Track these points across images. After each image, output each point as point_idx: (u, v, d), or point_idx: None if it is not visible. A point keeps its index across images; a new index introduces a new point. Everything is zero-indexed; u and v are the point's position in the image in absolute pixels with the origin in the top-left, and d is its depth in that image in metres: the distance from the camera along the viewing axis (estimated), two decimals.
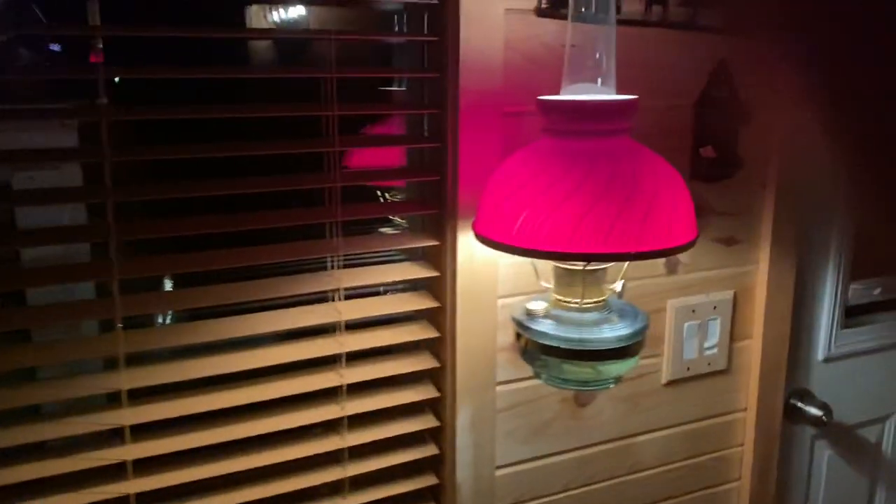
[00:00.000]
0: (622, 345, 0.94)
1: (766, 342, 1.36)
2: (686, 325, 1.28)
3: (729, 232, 1.30)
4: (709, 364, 1.32)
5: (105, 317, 0.93)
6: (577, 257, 0.84)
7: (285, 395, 1.02)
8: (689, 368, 1.30)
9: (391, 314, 1.10)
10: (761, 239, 1.32)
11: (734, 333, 1.34)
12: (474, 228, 0.93)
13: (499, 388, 1.15)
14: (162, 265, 0.96)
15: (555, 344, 0.93)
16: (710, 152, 1.24)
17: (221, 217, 0.98)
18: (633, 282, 1.23)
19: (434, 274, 1.10)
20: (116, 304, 0.91)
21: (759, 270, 1.33)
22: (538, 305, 0.96)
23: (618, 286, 0.97)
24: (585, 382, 0.97)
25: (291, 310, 1.03)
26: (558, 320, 0.95)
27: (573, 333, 0.93)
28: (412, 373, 1.12)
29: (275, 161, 0.99)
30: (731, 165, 1.26)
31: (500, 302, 1.11)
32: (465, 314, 1.09)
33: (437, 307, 1.11)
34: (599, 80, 0.90)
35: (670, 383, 1.30)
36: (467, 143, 1.04)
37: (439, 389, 1.14)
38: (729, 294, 1.32)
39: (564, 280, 0.96)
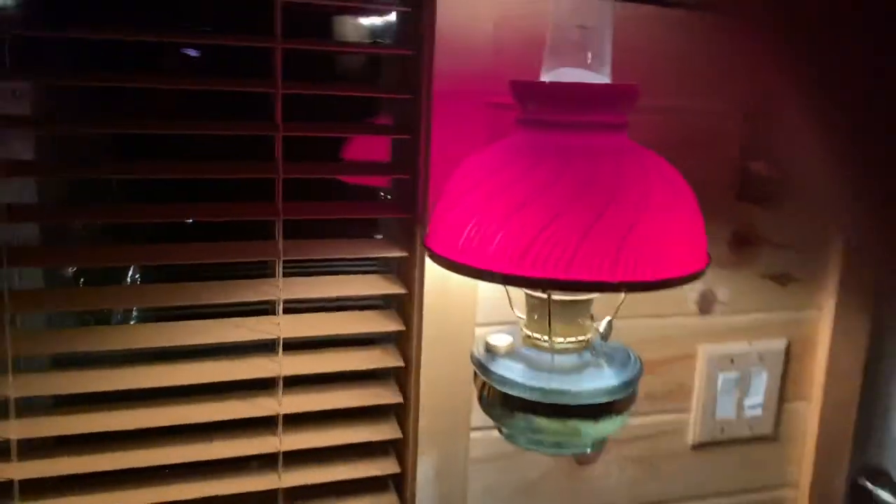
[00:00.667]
0: (605, 399, 0.73)
1: (826, 405, 1.10)
2: (721, 376, 1.04)
3: (784, 267, 1.05)
4: (750, 427, 1.08)
5: None
6: (528, 283, 0.64)
7: (205, 419, 0.87)
8: (723, 430, 1.06)
9: (350, 333, 0.92)
10: (827, 278, 1.07)
11: (785, 392, 1.09)
12: (425, 239, 0.75)
13: (474, 433, 0.95)
14: (56, 258, 0.83)
15: (518, 393, 0.73)
16: (763, 168, 1.01)
17: (143, 207, 0.84)
18: (653, 320, 1.01)
19: (400, 290, 0.92)
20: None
21: (823, 317, 1.08)
22: (501, 340, 0.77)
23: (602, 325, 0.76)
24: (558, 444, 0.76)
25: (216, 320, 0.88)
26: (527, 362, 0.75)
27: (542, 381, 0.73)
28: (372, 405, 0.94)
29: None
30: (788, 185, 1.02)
31: (479, 331, 0.92)
32: (432, 342, 0.91)
33: (402, 331, 0.93)
34: (589, 63, 0.70)
35: (699, 446, 1.07)
36: (441, 137, 0.85)
37: (403, 429, 0.96)
38: (780, 343, 1.07)
39: (535, 311, 0.76)
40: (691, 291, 1.02)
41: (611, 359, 0.77)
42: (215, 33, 0.84)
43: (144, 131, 0.82)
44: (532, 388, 0.72)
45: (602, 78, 0.71)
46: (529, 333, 0.76)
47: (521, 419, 0.74)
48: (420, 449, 0.93)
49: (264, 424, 0.91)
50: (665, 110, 0.94)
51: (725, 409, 1.06)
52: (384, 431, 0.95)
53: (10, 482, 0.82)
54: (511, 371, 0.74)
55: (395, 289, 0.92)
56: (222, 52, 0.89)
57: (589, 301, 0.76)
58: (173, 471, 0.89)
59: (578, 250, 0.62)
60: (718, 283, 1.03)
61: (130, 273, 1.12)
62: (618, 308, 0.79)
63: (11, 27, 0.76)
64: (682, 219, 0.66)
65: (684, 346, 1.03)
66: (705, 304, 1.03)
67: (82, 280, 1.08)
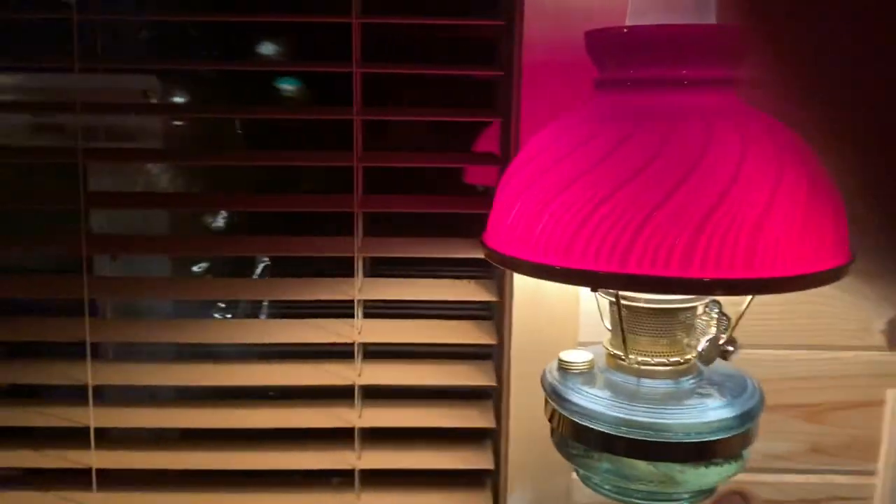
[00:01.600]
0: (708, 437, 0.56)
1: None
2: None
3: None
4: None
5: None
6: (573, 277, 0.50)
7: (278, 426, 0.81)
8: None
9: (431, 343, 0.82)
10: None
11: None
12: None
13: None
14: (141, 247, 0.82)
15: (593, 425, 0.58)
16: None
17: (228, 197, 0.81)
18: (820, 353, 0.79)
19: (490, 298, 0.80)
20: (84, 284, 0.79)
21: None
22: (579, 357, 0.62)
23: (701, 344, 0.58)
24: (651, 496, 0.60)
25: (293, 320, 0.82)
26: (611, 388, 0.60)
27: (624, 410, 0.57)
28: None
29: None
30: None
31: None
32: (523, 360, 0.78)
33: (492, 344, 0.81)
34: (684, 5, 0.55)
35: None
36: (531, 120, 0.73)
37: (497, 458, 0.83)
38: None
39: (626, 322, 0.60)
40: (877, 318, 0.79)
41: (720, 388, 0.60)
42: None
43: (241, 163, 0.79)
44: (610, 419, 0.57)
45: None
46: (611, 351, 0.61)
47: (599, 459, 0.59)
48: (510, 484, 0.80)
49: (341, 436, 0.83)
50: None
51: None
52: (473, 459, 0.83)
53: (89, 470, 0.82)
54: (586, 397, 0.59)
55: (484, 295, 0.80)
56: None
57: (688, 310, 0.59)
58: (243, 478, 0.84)
59: (638, 236, 0.47)
60: None
61: (258, 271, 1.12)
62: (735, 323, 0.61)
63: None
64: (799, 198, 0.49)
65: (867, 390, 0.80)
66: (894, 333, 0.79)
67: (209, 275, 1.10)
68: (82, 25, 0.75)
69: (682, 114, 0.52)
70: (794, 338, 0.79)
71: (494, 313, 0.86)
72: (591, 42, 0.57)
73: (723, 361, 0.64)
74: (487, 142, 0.89)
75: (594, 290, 0.52)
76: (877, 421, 0.80)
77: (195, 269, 1.10)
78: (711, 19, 0.55)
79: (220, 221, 1.10)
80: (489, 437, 0.86)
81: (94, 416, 0.80)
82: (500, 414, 0.82)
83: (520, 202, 0.54)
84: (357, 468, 0.82)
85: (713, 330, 0.75)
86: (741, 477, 0.81)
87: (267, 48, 0.98)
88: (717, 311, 0.76)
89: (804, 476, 0.81)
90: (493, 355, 0.86)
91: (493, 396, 0.85)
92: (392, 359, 0.84)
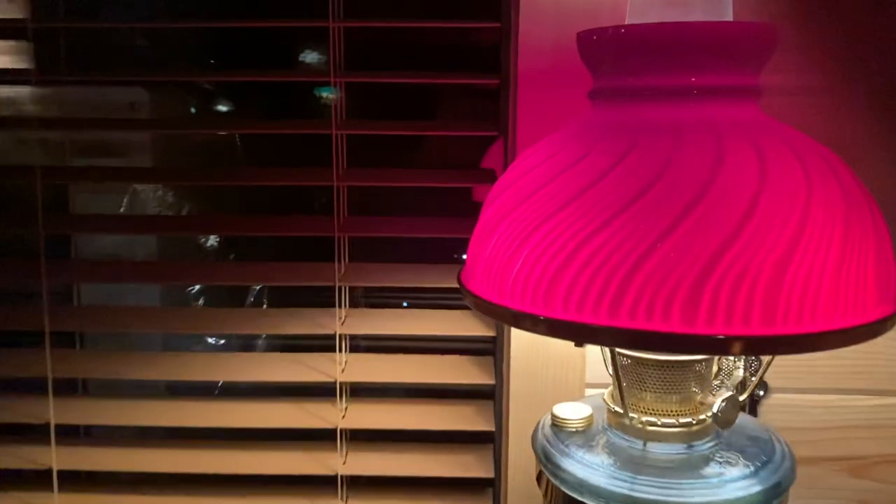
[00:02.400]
0: None
1: None
2: None
3: None
4: None
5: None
6: (555, 329, 0.41)
7: (247, 472, 0.73)
8: None
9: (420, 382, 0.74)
10: None
11: None
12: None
13: None
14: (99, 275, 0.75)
15: (588, 500, 0.49)
16: None
17: (202, 220, 0.74)
18: (858, 398, 0.69)
19: (487, 332, 0.72)
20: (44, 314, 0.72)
21: None
22: (575, 412, 0.53)
23: (717, 403, 0.49)
24: None
25: (271, 354, 0.75)
26: (611, 451, 0.51)
27: (625, 483, 0.48)
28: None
29: None
30: None
31: (589, 393, 0.69)
32: (522, 404, 0.69)
33: (488, 385, 0.72)
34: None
35: None
36: (528, 133, 0.65)
37: None
38: None
39: (626, 375, 0.51)
40: None
41: (743, 453, 0.50)
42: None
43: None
44: (609, 495, 0.48)
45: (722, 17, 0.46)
46: (612, 407, 0.52)
47: None
48: None
49: (326, 483, 0.75)
50: None
51: None
52: None
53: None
54: (583, 465, 0.50)
55: (480, 329, 0.72)
56: None
57: (703, 361, 0.50)
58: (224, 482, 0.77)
59: (631, 281, 0.38)
60: None
61: (254, 293, 1.05)
62: (760, 375, 0.52)
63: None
64: (832, 233, 0.39)
65: None
66: None
67: (201, 301, 1.04)
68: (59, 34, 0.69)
69: (689, 129, 0.42)
70: (837, 380, 0.69)
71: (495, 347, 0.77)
72: (584, 44, 0.48)
73: (745, 417, 0.55)
74: (494, 158, 0.81)
75: (579, 344, 0.43)
76: None
77: (190, 290, 1.04)
78: (727, 16, 0.46)
79: (213, 240, 1.04)
80: (490, 487, 0.77)
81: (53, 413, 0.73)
82: (499, 462, 0.73)
83: (497, 235, 0.45)
84: None
85: (739, 374, 0.65)
86: None
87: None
88: None
89: None
90: (495, 394, 0.77)
91: (493, 441, 0.76)
92: (380, 398, 0.75)
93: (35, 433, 0.74)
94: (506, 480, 0.71)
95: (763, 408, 0.69)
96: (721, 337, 0.38)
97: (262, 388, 0.83)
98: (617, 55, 0.46)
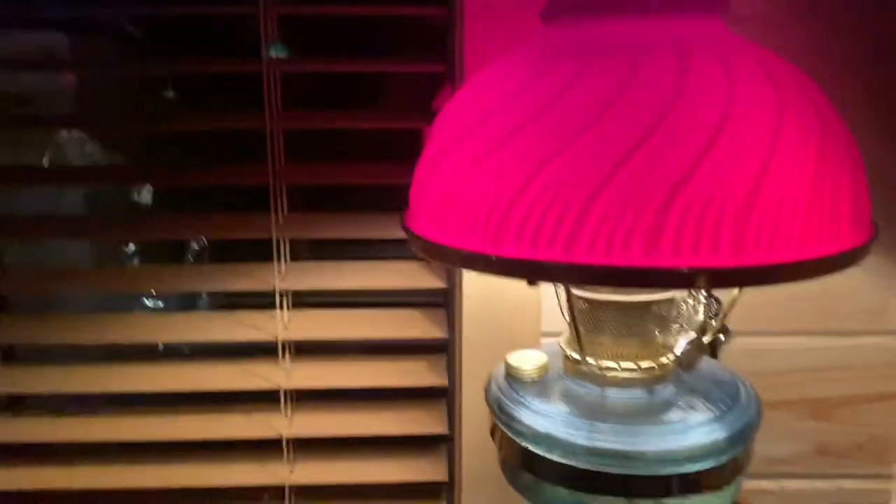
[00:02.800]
0: (700, 465, 0.44)
1: None
2: None
3: None
4: None
5: None
6: (510, 268, 0.37)
7: (185, 438, 0.69)
8: None
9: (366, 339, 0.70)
10: None
11: None
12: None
13: None
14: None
15: (551, 455, 0.45)
16: None
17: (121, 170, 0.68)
18: (825, 339, 0.67)
19: (438, 284, 0.68)
20: None
21: None
22: (530, 361, 0.50)
23: (680, 345, 0.46)
24: None
25: (210, 313, 0.70)
26: (568, 400, 0.48)
27: (583, 434, 0.45)
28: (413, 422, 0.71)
29: None
30: None
31: (546, 342, 0.66)
32: (476, 356, 0.66)
33: (441, 339, 0.69)
34: None
35: None
36: (475, 66, 0.60)
37: (451, 467, 0.72)
38: None
39: (583, 319, 0.48)
40: (894, 297, 0.67)
41: (707, 397, 0.47)
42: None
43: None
44: (567, 446, 0.45)
45: None
46: (569, 353, 0.48)
47: (553, 494, 0.47)
48: (465, 498, 0.69)
49: (271, 447, 0.71)
50: None
51: None
52: (423, 471, 0.71)
53: None
54: (538, 415, 0.47)
55: (430, 281, 0.68)
56: None
57: (664, 302, 0.47)
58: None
59: (588, 212, 0.35)
60: None
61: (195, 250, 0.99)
62: (728, 309, 0.49)
63: None
64: (805, 157, 0.36)
65: (884, 381, 0.68)
66: None
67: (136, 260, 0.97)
68: None
69: (649, 47, 0.39)
70: (798, 322, 0.67)
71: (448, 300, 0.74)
72: None
73: (708, 361, 0.52)
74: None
75: (532, 283, 0.40)
76: (894, 417, 0.68)
77: (126, 251, 0.98)
78: None
79: (146, 195, 0.98)
80: (444, 443, 0.74)
81: None
82: (453, 417, 0.70)
83: (441, 170, 0.41)
84: (287, 484, 0.70)
85: (699, 318, 0.62)
86: None
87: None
88: (704, 294, 0.63)
89: (810, 482, 0.70)
90: (448, 348, 0.73)
91: (447, 397, 0.73)
92: (327, 355, 0.71)
93: None
94: (460, 435, 0.68)
95: (724, 353, 0.67)
96: (686, 269, 0.34)
97: (204, 350, 0.78)
98: None
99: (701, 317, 0.64)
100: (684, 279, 0.34)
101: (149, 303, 0.95)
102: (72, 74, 0.84)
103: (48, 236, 0.72)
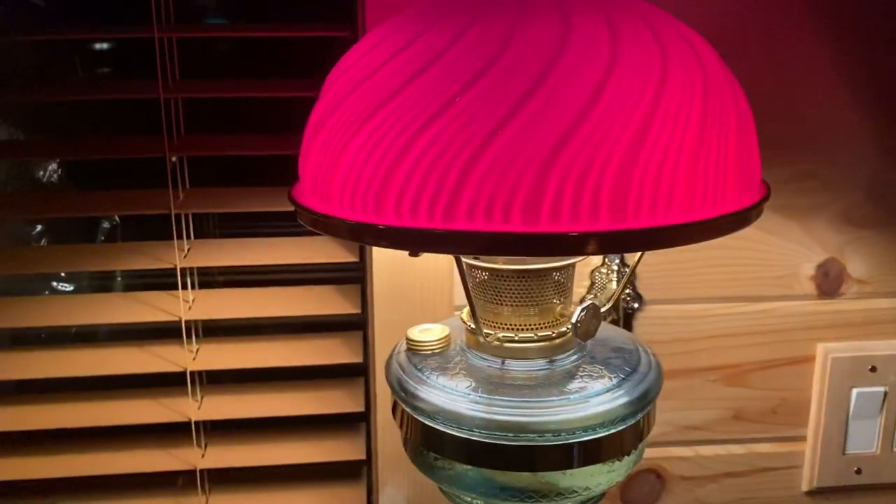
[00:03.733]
0: (602, 433, 0.43)
1: None
2: (855, 391, 0.69)
3: None
4: None
5: None
6: (390, 238, 0.36)
7: (86, 425, 0.66)
8: (859, 471, 0.71)
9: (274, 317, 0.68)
10: None
11: None
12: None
13: None
14: None
15: (452, 430, 0.44)
16: None
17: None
18: (740, 305, 0.67)
19: (349, 258, 0.66)
20: None
21: None
22: (431, 334, 0.48)
23: (576, 313, 0.45)
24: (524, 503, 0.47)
25: (106, 295, 0.67)
26: (468, 373, 0.47)
27: (481, 406, 0.44)
28: (328, 414, 0.69)
29: None
30: None
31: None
32: (388, 330, 0.64)
33: (355, 314, 0.67)
34: None
35: (819, 492, 0.72)
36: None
37: (369, 447, 0.70)
38: None
39: (482, 289, 0.47)
40: (804, 262, 0.67)
41: (607, 365, 0.47)
42: None
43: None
44: (467, 420, 0.44)
45: None
46: (468, 324, 0.47)
47: (457, 471, 0.46)
48: (383, 476, 0.67)
49: (181, 431, 0.69)
50: None
51: (862, 441, 0.70)
52: (340, 450, 0.69)
53: None
54: (437, 390, 0.45)
55: (341, 255, 0.66)
56: None
57: (563, 269, 0.45)
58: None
59: (466, 179, 0.33)
60: (850, 249, 0.67)
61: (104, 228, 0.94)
62: (623, 284, 0.48)
63: None
64: (689, 115, 0.35)
65: (794, 345, 0.69)
66: (829, 282, 0.68)
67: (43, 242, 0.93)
68: None
69: (535, 2, 0.37)
70: (708, 289, 0.67)
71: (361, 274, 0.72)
72: None
73: (612, 329, 0.51)
74: None
75: (413, 254, 0.38)
76: (806, 380, 0.69)
77: (32, 231, 0.93)
78: None
79: (52, 174, 0.93)
80: (363, 422, 0.72)
81: None
82: (369, 395, 0.69)
83: (322, 135, 0.39)
84: (199, 468, 0.68)
85: (613, 286, 0.62)
86: (654, 452, 0.70)
87: None
88: (617, 261, 0.63)
89: (725, 447, 0.71)
90: (350, 323, 0.72)
91: (364, 374, 0.71)
92: (238, 335, 0.69)
93: None
94: (376, 413, 0.66)
95: (638, 321, 0.67)
96: (566, 234, 0.33)
97: (114, 333, 0.75)
98: None
99: (614, 286, 0.64)
100: (564, 245, 0.33)
101: (57, 286, 0.91)
102: None
103: None
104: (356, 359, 0.67)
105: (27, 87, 0.69)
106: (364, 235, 0.37)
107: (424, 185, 0.34)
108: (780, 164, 0.65)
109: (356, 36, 0.61)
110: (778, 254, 0.67)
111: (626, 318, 0.66)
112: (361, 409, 0.68)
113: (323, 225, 0.39)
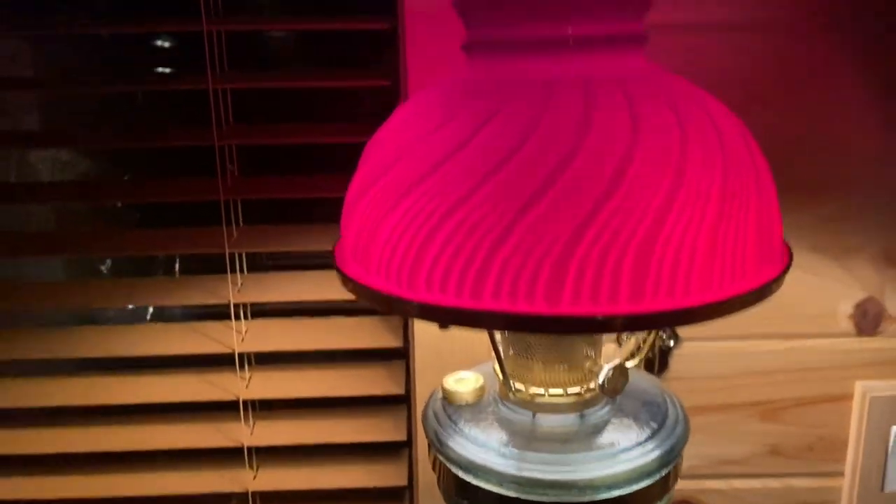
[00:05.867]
0: (629, 489, 0.45)
1: None
2: (894, 429, 0.69)
3: None
4: None
5: None
6: (420, 312, 0.38)
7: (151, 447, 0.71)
8: None
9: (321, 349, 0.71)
10: None
11: None
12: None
13: None
14: None
15: (484, 484, 0.46)
16: None
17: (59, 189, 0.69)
18: (777, 342, 0.68)
19: None
20: None
21: None
22: (466, 384, 0.51)
23: (603, 372, 0.47)
24: None
25: (164, 324, 0.71)
26: (502, 425, 0.49)
27: (519, 465, 0.46)
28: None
29: None
30: None
31: None
32: (428, 364, 0.67)
33: (396, 348, 0.70)
34: None
35: None
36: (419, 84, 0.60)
37: (412, 473, 0.73)
38: None
39: (514, 342, 0.49)
40: (843, 301, 0.67)
41: (636, 418, 0.48)
42: None
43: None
44: (497, 475, 0.46)
45: None
46: (500, 377, 0.49)
47: None
48: (422, 501, 0.70)
49: (233, 455, 0.73)
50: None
51: None
52: (384, 475, 0.72)
53: None
54: (469, 442, 0.48)
55: None
56: None
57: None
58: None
59: (492, 260, 0.35)
60: (890, 288, 0.67)
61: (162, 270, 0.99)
62: (649, 344, 0.50)
63: None
64: (709, 194, 0.36)
65: (832, 383, 0.69)
66: (867, 321, 0.68)
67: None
68: None
69: (561, 87, 0.39)
70: (746, 326, 0.67)
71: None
72: None
73: (643, 379, 0.53)
74: None
75: (443, 327, 0.41)
76: (843, 417, 0.70)
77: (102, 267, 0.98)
78: None
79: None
80: (406, 448, 0.75)
81: None
82: (411, 425, 0.71)
83: (363, 204, 0.42)
84: (251, 489, 0.71)
85: (631, 345, 0.63)
86: (689, 484, 0.71)
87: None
88: None
89: (762, 481, 0.71)
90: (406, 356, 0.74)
91: (406, 403, 0.74)
92: (286, 364, 0.72)
93: None
94: (417, 442, 0.69)
95: (674, 357, 0.68)
96: (585, 317, 0.35)
97: (169, 361, 0.79)
98: (484, 2, 0.42)
99: (628, 348, 0.65)
100: (582, 326, 0.35)
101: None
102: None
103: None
104: (398, 390, 0.70)
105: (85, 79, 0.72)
106: (396, 307, 0.39)
107: (453, 265, 0.36)
108: (819, 202, 0.65)
109: (398, 85, 0.64)
110: (816, 292, 0.67)
111: (661, 356, 0.67)
112: (404, 437, 0.71)
113: (361, 293, 0.42)
